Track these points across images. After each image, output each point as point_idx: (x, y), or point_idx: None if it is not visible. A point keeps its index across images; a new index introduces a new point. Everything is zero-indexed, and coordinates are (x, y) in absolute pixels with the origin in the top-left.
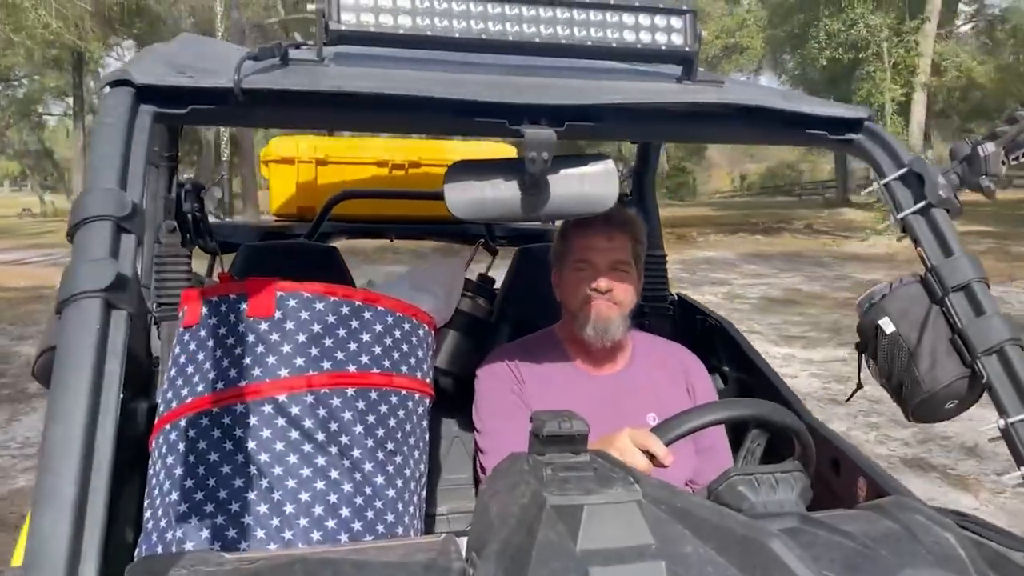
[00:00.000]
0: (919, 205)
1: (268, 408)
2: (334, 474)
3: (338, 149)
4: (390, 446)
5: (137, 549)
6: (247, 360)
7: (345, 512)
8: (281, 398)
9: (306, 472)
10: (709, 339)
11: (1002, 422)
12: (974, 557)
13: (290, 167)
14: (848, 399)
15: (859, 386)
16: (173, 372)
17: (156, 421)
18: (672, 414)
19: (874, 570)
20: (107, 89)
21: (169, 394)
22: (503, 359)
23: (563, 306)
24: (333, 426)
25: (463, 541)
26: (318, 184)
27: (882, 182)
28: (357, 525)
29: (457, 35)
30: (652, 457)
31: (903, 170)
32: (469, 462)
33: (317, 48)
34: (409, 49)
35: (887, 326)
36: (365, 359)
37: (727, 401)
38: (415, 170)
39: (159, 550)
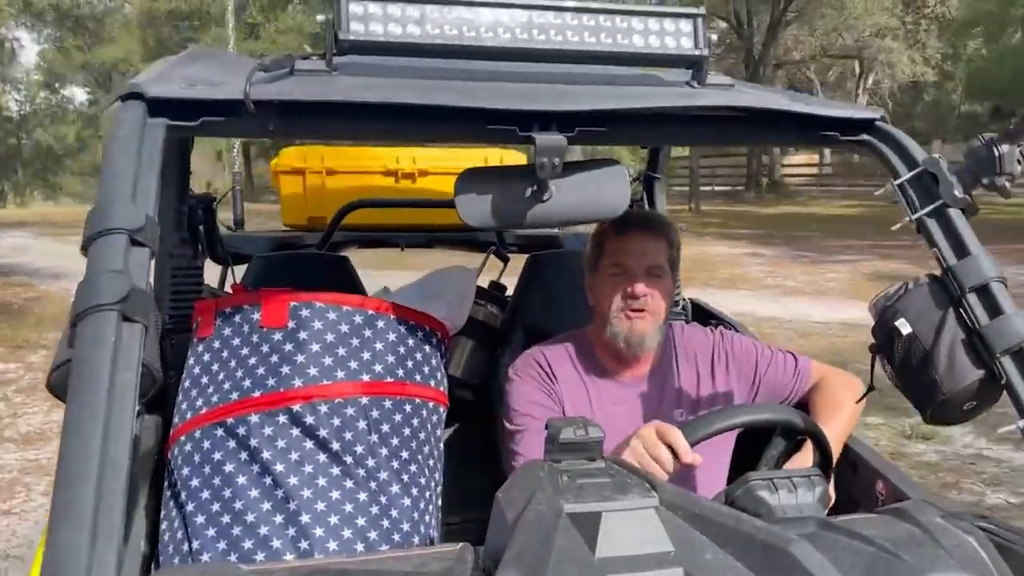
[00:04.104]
0: (934, 205)
1: (283, 418)
2: (349, 484)
3: (346, 158)
4: (405, 455)
5: (153, 561)
6: (261, 370)
7: (361, 522)
8: (296, 408)
9: (322, 482)
10: None
11: (1022, 423)
12: (996, 560)
13: (299, 177)
14: (859, 400)
15: (871, 387)
16: (187, 383)
17: (171, 433)
18: (699, 409)
19: (896, 575)
20: (118, 103)
21: (184, 405)
22: (535, 358)
23: (595, 310)
24: (348, 435)
25: (480, 550)
26: (327, 194)
27: (896, 183)
28: (373, 535)
29: (466, 44)
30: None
31: (917, 170)
32: (484, 470)
33: (327, 59)
34: (418, 58)
35: (904, 327)
36: (379, 368)
37: (756, 406)
38: (424, 178)
39: (175, 562)
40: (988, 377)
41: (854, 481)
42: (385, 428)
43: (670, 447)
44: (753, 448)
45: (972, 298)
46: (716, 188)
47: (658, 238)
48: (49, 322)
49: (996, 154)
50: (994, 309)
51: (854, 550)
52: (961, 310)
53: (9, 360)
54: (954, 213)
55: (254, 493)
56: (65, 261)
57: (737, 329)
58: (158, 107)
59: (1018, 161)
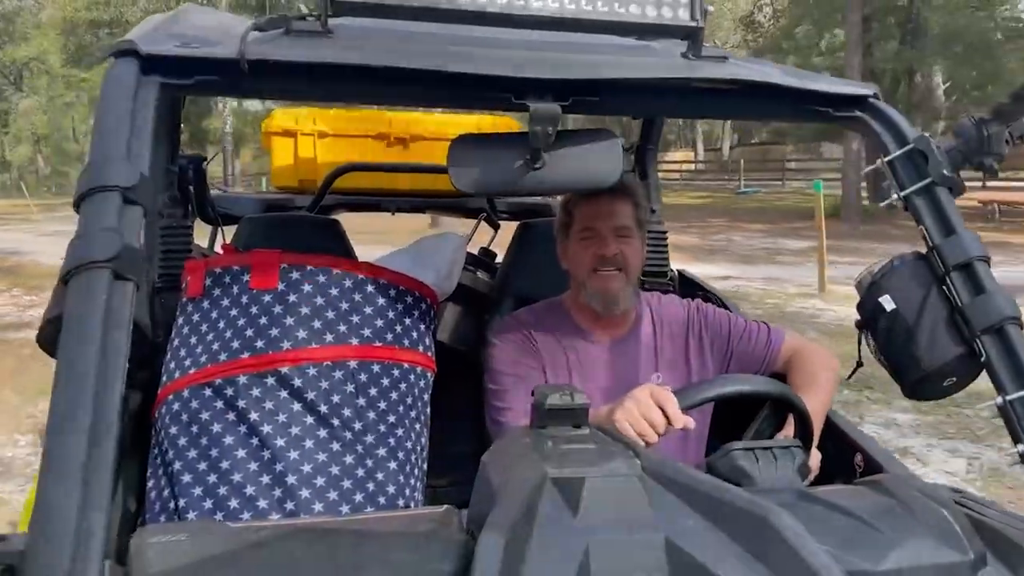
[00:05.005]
0: (922, 183)
1: (271, 380)
2: (336, 446)
3: (338, 121)
4: (392, 419)
5: (140, 519)
6: (250, 332)
7: (347, 484)
8: (284, 370)
9: (308, 444)
10: None
11: (1000, 399)
12: (970, 533)
13: (290, 140)
14: (849, 376)
15: (859, 364)
16: (176, 343)
17: (159, 392)
18: (675, 373)
19: (871, 545)
20: (112, 59)
21: (172, 365)
22: (515, 322)
23: (571, 276)
24: (335, 398)
25: (464, 513)
26: (318, 157)
27: (886, 159)
28: (359, 497)
29: (462, 8)
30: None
31: (907, 147)
32: (470, 435)
33: (322, 20)
34: (415, 21)
35: (887, 304)
36: (367, 332)
37: (750, 377)
38: (416, 143)
39: (162, 520)
40: (968, 354)
41: (833, 453)
42: (373, 392)
43: (663, 410)
44: (732, 419)
45: (956, 276)
46: None
47: (624, 200)
48: (43, 276)
49: (985, 134)
50: (977, 287)
51: (831, 520)
52: (944, 288)
53: (32, 294)
54: (941, 192)
55: (241, 453)
56: (14, 244)
57: (723, 301)
58: (152, 65)
59: (1006, 141)
